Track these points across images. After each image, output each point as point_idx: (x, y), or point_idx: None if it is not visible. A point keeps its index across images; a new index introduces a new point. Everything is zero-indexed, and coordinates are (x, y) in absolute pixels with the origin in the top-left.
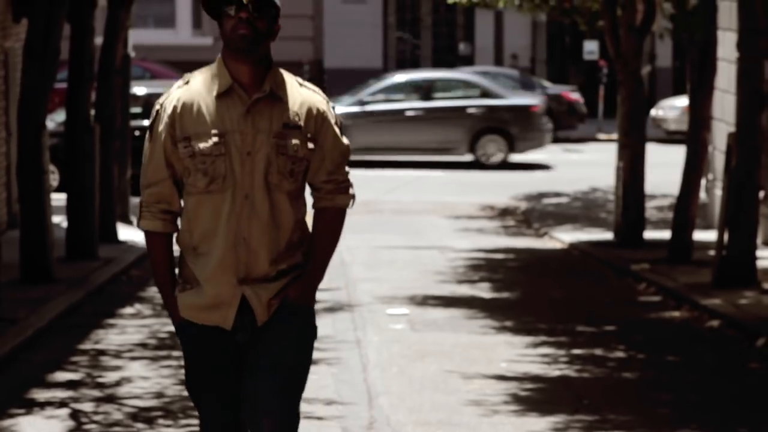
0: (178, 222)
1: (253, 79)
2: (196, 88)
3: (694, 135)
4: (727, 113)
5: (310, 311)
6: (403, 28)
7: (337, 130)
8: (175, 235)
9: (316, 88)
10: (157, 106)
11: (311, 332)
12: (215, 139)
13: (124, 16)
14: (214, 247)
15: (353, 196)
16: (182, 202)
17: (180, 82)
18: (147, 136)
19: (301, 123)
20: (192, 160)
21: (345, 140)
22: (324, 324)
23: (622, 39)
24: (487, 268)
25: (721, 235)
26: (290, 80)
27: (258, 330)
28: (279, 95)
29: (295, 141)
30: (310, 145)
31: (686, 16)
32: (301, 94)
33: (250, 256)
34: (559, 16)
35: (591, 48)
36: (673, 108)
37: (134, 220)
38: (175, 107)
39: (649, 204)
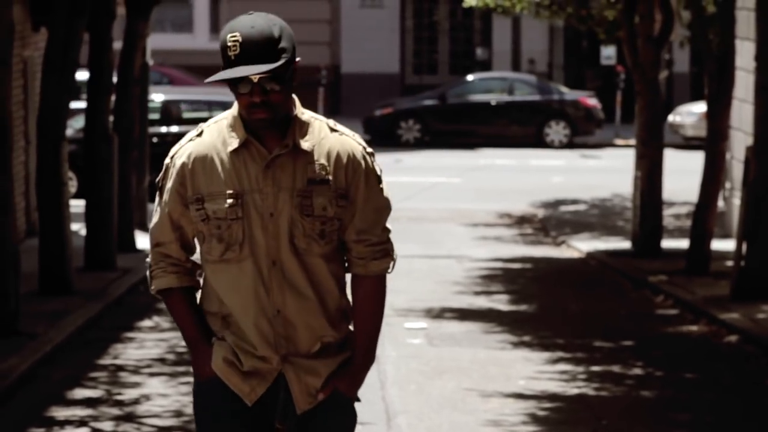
0: (195, 276)
1: (272, 132)
2: (210, 141)
3: (711, 146)
4: (744, 123)
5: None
6: (421, 33)
7: (374, 182)
8: (198, 300)
9: (353, 133)
10: (168, 160)
11: (354, 422)
12: (230, 200)
13: (142, 26)
14: (244, 323)
15: (393, 260)
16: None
17: (193, 132)
18: (158, 192)
19: (330, 176)
20: (206, 224)
21: (385, 194)
22: None
23: (640, 49)
24: (504, 278)
25: (739, 248)
26: (318, 125)
27: (296, 417)
28: (303, 147)
29: (321, 199)
30: (342, 202)
31: (704, 24)
32: (331, 142)
33: (288, 328)
34: (577, 24)
35: (608, 53)
36: (690, 114)
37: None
38: (184, 164)
39: (667, 212)
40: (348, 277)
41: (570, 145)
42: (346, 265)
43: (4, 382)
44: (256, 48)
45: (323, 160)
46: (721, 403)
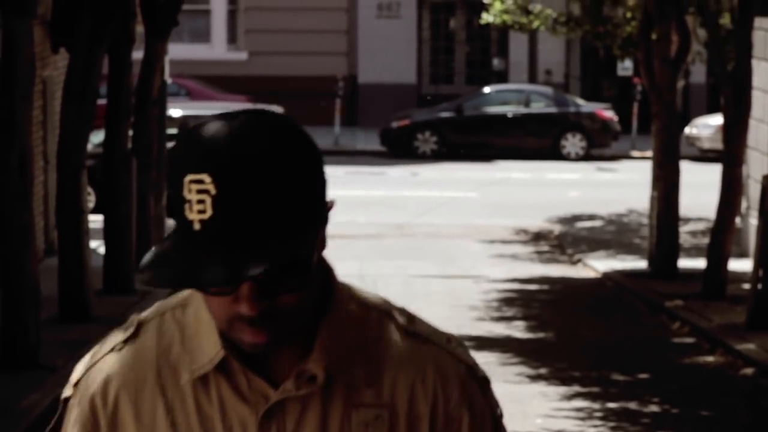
0: None
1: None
2: (150, 355)
3: (728, 171)
4: (761, 142)
5: None
6: (438, 43)
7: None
8: None
9: (446, 337)
10: (67, 392)
11: None
12: None
13: (161, 48)
14: None
15: None
16: None
17: (118, 335)
18: None
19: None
20: None
21: None
22: None
23: (657, 71)
24: (521, 302)
25: (755, 276)
26: (378, 323)
27: None
28: (346, 379)
29: None
30: None
31: (720, 45)
32: (404, 360)
33: None
34: (593, 40)
35: (625, 64)
36: (707, 126)
37: None
38: (95, 400)
39: (683, 228)
40: None
41: (586, 157)
42: None
43: (26, 420)
44: (250, 213)
45: (387, 397)
46: None
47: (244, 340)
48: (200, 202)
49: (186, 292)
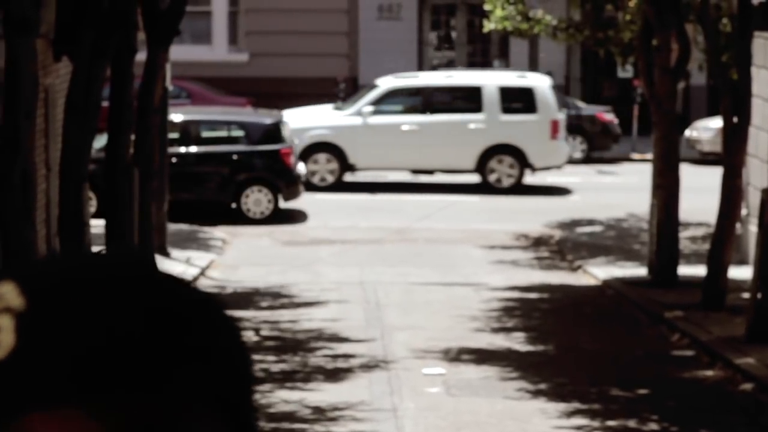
0: None
1: None
2: None
3: (728, 183)
4: (761, 150)
5: None
6: (439, 45)
7: None
8: None
9: None
10: None
11: None
12: None
13: (162, 56)
14: None
15: None
16: None
17: None
18: None
19: None
20: None
21: None
22: (361, 386)
23: (657, 81)
24: (521, 311)
25: (754, 290)
26: None
27: None
28: None
29: None
30: None
31: (720, 52)
32: None
33: None
34: (594, 46)
35: (626, 67)
36: (707, 129)
37: (172, 251)
38: None
39: (683, 234)
40: None
41: (587, 159)
42: None
43: None
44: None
45: None
46: None
47: None
48: None
49: None
